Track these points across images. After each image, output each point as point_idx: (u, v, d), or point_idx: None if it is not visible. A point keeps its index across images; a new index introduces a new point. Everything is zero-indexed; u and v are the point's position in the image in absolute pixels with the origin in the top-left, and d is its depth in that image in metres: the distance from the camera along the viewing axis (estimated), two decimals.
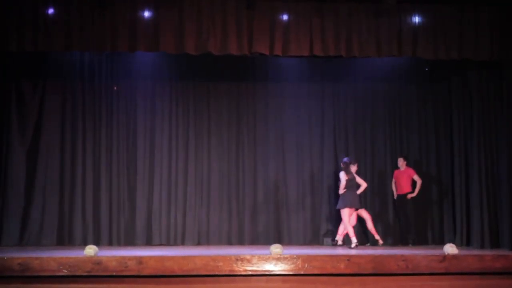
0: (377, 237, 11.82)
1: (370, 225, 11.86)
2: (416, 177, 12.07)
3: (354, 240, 11.19)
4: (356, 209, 11.62)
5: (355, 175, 11.54)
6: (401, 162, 12.21)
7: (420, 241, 12.22)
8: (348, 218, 11.39)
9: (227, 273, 8.56)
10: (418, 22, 10.76)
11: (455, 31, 10.76)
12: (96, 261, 8.45)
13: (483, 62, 11.17)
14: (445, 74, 12.49)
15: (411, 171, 12.14)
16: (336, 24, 10.66)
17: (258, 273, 8.59)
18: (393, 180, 12.33)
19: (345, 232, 11.62)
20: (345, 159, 11.60)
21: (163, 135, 12.41)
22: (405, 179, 12.12)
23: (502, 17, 10.78)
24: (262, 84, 12.70)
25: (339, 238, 11.81)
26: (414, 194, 12.07)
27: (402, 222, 12.23)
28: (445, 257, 8.86)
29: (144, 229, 12.14)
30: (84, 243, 11.01)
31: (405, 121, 12.81)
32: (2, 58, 11.37)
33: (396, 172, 12.31)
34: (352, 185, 11.44)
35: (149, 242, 12.11)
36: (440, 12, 10.78)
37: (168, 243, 12.12)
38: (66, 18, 10.26)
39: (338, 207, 11.48)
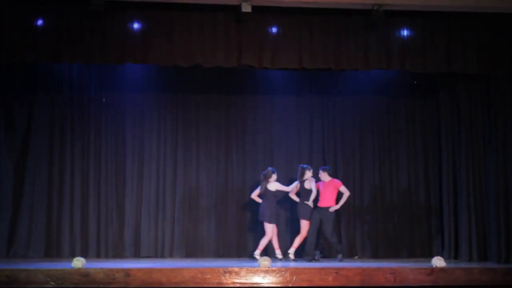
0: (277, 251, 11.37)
1: (274, 240, 11.35)
2: (343, 189, 11.26)
3: (278, 252, 11.26)
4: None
5: (276, 186, 11.38)
6: (322, 175, 11.42)
7: (409, 254, 12.25)
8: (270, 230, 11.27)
9: (215, 285, 8.55)
10: (407, 35, 10.84)
11: (444, 44, 10.83)
12: (84, 273, 8.43)
13: (471, 75, 11.26)
14: (433, 87, 12.52)
15: (337, 182, 11.45)
16: (325, 37, 10.72)
17: (246, 285, 8.59)
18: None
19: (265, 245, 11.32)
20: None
21: (152, 147, 12.37)
22: (330, 191, 11.33)
23: (490, 30, 10.85)
24: (251, 97, 12.68)
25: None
26: (337, 207, 11.23)
27: (322, 239, 11.44)
28: (433, 270, 8.88)
29: (132, 241, 12.09)
30: (72, 255, 10.91)
31: (393, 134, 12.79)
32: None
33: (319, 184, 11.50)
34: (265, 197, 11.38)
35: (137, 254, 12.04)
36: (428, 26, 10.85)
37: (156, 255, 12.06)
38: (55, 30, 10.26)
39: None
